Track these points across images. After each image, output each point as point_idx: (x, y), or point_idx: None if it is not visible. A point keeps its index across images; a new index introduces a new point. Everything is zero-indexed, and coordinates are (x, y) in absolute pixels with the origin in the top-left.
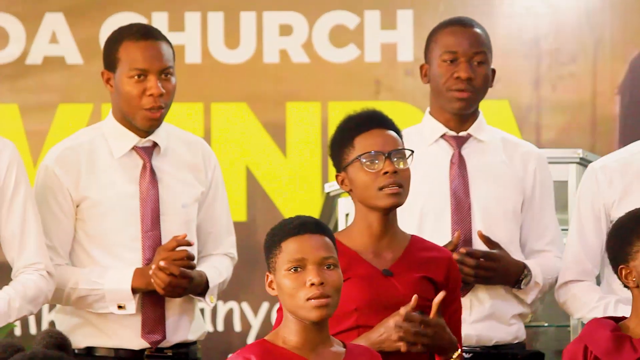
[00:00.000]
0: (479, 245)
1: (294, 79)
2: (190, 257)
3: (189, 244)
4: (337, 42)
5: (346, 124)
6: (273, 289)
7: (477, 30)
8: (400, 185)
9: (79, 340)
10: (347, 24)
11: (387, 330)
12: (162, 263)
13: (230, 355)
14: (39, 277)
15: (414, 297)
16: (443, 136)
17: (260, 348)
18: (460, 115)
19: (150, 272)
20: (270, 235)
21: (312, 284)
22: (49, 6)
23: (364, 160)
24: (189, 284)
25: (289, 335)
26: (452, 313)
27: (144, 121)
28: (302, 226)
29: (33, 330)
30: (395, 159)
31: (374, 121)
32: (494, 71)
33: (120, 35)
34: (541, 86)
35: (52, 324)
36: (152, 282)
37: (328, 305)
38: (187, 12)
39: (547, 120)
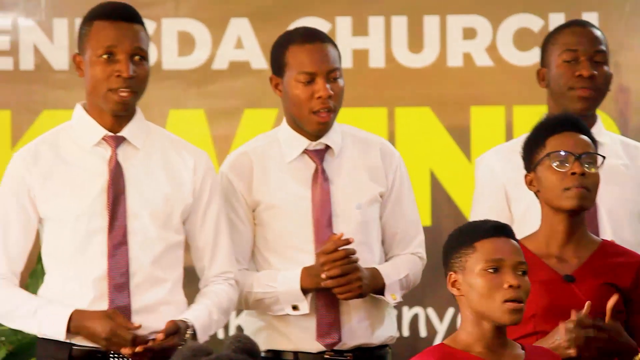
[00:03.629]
0: None
1: (478, 82)
2: (351, 253)
3: (348, 242)
4: (521, 45)
5: (541, 125)
6: (458, 288)
7: (596, 30)
8: (587, 188)
9: (262, 343)
10: (532, 27)
11: (560, 337)
12: (323, 275)
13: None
14: (229, 287)
15: (587, 303)
16: None
17: (440, 352)
18: (581, 118)
19: (322, 284)
20: (458, 235)
21: (511, 286)
22: (235, 11)
23: (553, 160)
24: (361, 278)
25: (469, 338)
26: None
27: (313, 125)
28: (498, 229)
29: (220, 334)
30: (585, 163)
31: (568, 124)
32: (611, 74)
33: (286, 40)
34: None
35: (239, 328)
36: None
37: (522, 310)
38: (370, 16)
39: None
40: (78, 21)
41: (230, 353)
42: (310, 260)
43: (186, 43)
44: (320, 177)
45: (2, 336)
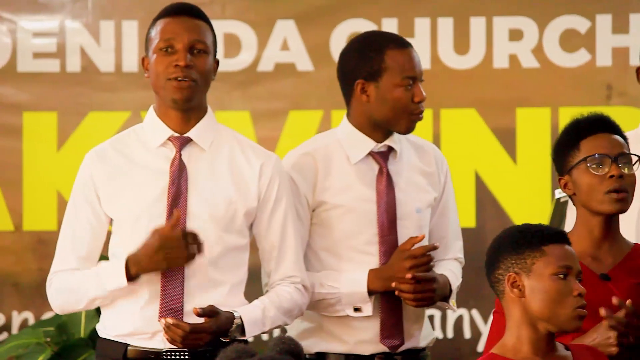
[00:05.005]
0: None
1: (524, 84)
2: (431, 259)
3: (434, 248)
4: (567, 47)
5: (572, 127)
6: (520, 290)
7: None
8: (625, 190)
9: (310, 346)
10: (578, 28)
11: (600, 335)
12: (408, 275)
13: None
14: (294, 290)
15: (628, 301)
16: None
17: None
18: None
19: (393, 284)
20: (519, 236)
21: (579, 295)
22: (281, 13)
23: (590, 163)
24: (434, 290)
25: (519, 344)
26: None
27: (409, 125)
28: (563, 236)
29: (265, 335)
30: (621, 164)
31: (601, 125)
32: None
33: (381, 44)
34: None
35: (283, 329)
36: (397, 293)
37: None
38: (416, 17)
39: None
40: (124, 23)
41: (274, 354)
42: (372, 262)
43: (232, 45)
44: (385, 180)
45: (48, 337)
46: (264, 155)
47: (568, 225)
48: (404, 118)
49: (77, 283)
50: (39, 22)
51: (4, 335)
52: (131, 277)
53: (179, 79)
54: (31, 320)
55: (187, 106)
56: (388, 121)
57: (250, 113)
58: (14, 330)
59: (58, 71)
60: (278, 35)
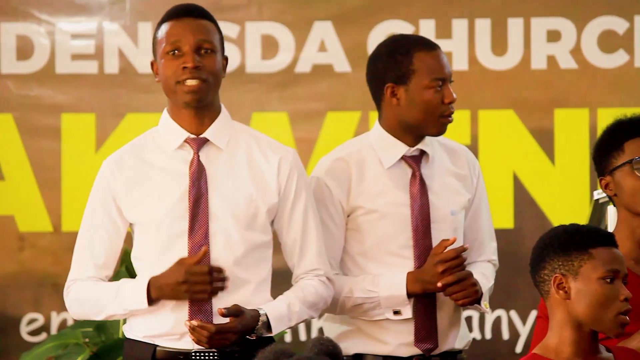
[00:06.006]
0: None
1: (562, 85)
2: (464, 260)
3: (464, 250)
4: (606, 48)
5: (616, 128)
6: (566, 292)
7: None
8: None
9: (348, 348)
10: (617, 29)
11: None
12: (438, 284)
13: None
14: (319, 283)
15: None
16: None
17: None
18: None
19: (439, 285)
20: (567, 237)
21: (625, 299)
22: (318, 14)
23: (636, 164)
24: (475, 284)
25: (561, 345)
26: None
27: (440, 128)
28: (611, 238)
29: (303, 337)
30: None
31: None
32: None
33: (408, 47)
34: None
35: (321, 330)
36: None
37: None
38: (454, 18)
39: None
40: None
41: (312, 355)
42: (407, 265)
43: (269, 46)
44: (418, 184)
45: (86, 337)
46: (281, 150)
47: (609, 228)
48: (435, 120)
49: (96, 296)
50: (77, 24)
51: (43, 335)
52: (152, 300)
53: (188, 80)
54: (70, 321)
55: (200, 106)
56: (419, 124)
57: (288, 114)
58: (53, 330)
59: (96, 73)
60: (315, 36)
